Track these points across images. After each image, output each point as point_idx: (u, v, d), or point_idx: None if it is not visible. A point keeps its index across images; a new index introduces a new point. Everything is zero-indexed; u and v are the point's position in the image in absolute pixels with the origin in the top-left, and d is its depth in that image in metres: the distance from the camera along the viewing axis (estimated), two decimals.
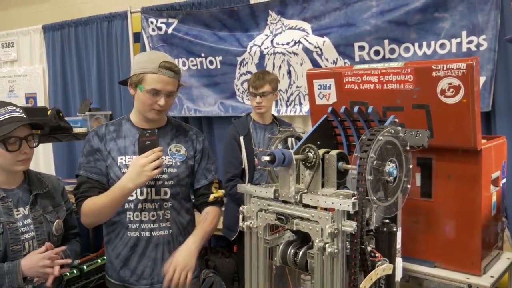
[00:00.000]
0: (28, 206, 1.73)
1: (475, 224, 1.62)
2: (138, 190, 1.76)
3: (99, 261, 2.92)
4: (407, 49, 2.84)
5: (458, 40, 2.68)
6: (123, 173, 1.71)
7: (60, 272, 1.67)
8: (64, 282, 1.92)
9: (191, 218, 1.92)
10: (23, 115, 1.72)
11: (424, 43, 2.78)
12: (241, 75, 3.48)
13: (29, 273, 1.62)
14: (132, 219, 1.79)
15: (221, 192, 1.94)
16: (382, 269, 1.28)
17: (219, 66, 3.55)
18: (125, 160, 1.78)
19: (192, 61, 3.67)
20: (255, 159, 2.64)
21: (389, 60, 2.86)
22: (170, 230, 1.82)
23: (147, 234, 1.79)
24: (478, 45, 2.62)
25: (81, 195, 1.77)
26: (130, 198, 1.76)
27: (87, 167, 1.80)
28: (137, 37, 3.94)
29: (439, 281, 1.69)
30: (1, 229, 1.64)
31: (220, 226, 2.77)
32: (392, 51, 2.88)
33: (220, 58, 3.52)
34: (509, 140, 1.97)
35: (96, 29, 4.20)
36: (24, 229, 1.70)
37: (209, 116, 3.72)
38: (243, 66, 3.46)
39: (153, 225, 1.80)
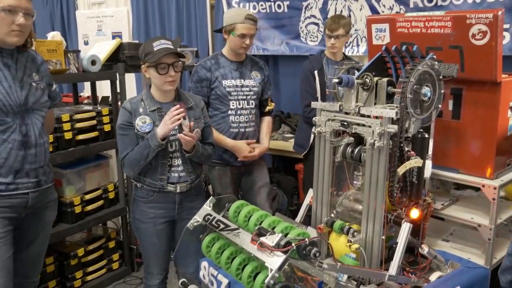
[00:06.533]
0: None
1: (492, 140, 2.09)
2: (237, 102, 2.75)
3: None
4: None
5: None
6: (227, 92, 2.74)
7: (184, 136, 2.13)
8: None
9: (259, 122, 2.92)
10: (171, 46, 2.12)
11: None
12: (305, 18, 3.91)
13: (162, 132, 2.10)
14: (233, 120, 2.79)
15: (272, 105, 2.98)
16: (414, 161, 1.81)
17: (286, 10, 3.99)
18: (226, 82, 2.75)
19: (262, 5, 4.11)
20: (327, 90, 3.11)
21: (441, 7, 3.20)
22: (254, 128, 2.86)
23: (243, 130, 2.82)
24: None
25: None
26: (232, 107, 2.76)
27: (195, 90, 2.73)
28: None
29: (461, 182, 2.20)
30: None
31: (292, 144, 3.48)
32: None
33: (288, 2, 3.95)
34: None
35: None
36: (172, 132, 2.17)
37: (276, 54, 4.21)
38: (308, 10, 3.88)
39: (246, 124, 2.81)
